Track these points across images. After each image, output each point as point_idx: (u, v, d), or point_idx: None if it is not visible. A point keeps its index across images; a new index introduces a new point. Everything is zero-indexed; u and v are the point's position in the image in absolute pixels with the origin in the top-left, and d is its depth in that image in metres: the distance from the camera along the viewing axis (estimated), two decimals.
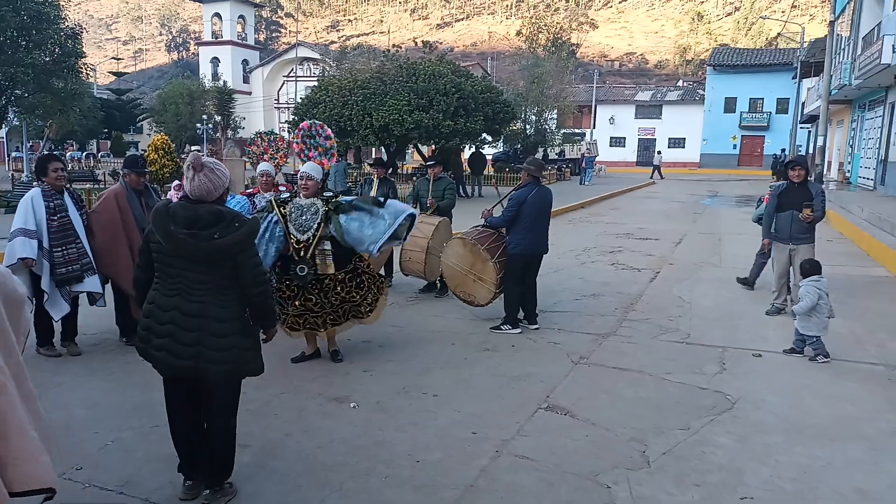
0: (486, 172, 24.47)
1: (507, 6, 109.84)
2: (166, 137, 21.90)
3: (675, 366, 5.36)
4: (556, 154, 34.41)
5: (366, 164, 31.76)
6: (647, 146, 52.08)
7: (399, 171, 26.48)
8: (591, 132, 46.56)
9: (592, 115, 50.32)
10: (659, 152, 40.73)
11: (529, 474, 3.59)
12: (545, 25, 33.67)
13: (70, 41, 19.48)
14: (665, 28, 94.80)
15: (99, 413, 4.32)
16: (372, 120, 19.35)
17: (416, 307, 7.38)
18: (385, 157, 23.79)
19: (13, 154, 31.05)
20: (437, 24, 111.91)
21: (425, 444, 3.97)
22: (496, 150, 32.01)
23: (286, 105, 56.76)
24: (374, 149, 33.79)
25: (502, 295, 6.43)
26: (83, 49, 20.47)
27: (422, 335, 6.25)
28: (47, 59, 18.72)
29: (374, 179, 8.21)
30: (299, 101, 25.30)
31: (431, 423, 4.26)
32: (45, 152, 29.07)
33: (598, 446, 3.93)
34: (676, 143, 52.29)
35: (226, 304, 3.09)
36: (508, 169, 26.80)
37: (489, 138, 24.63)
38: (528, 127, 29.83)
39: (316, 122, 5.84)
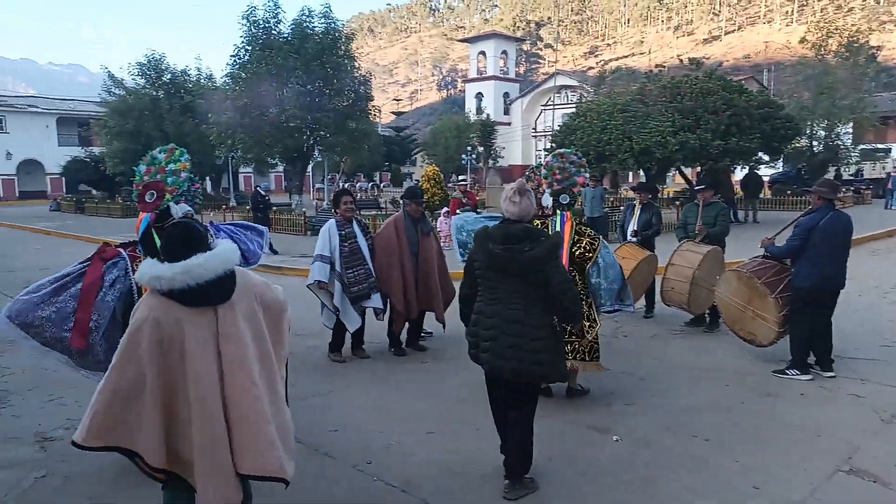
0: (762, 195, 22.14)
1: (786, 13, 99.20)
2: (437, 168, 23.95)
3: None
4: (851, 174, 29.75)
5: (623, 189, 31.01)
6: None
7: (659, 195, 25.30)
8: None
9: None
10: None
11: None
12: (836, 29, 29.41)
13: (362, 87, 22.57)
14: None
15: (383, 416, 4.81)
16: (632, 143, 18.81)
17: (682, 341, 6.91)
18: (645, 181, 22.97)
19: (317, 185, 36.68)
20: (704, 39, 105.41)
21: (697, 489, 3.66)
22: (775, 171, 28.81)
23: (543, 133, 58.26)
24: (630, 173, 32.85)
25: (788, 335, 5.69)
26: (372, 93, 23.54)
27: (689, 371, 5.81)
28: (345, 103, 21.89)
29: (637, 205, 7.94)
30: (556, 128, 25.75)
31: (704, 469, 3.92)
32: (341, 185, 33.88)
33: None
34: None
35: (539, 312, 3.45)
36: (790, 192, 23.87)
37: (766, 157, 22.23)
38: (814, 144, 26.34)
39: (566, 151, 5.74)
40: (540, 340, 3.42)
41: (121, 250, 4.09)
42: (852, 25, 35.72)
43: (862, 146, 28.91)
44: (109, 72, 28.72)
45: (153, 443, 2.61)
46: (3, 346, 6.84)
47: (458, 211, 14.93)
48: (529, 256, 3.36)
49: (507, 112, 64.86)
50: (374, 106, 24.37)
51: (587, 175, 5.64)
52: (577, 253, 4.88)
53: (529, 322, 3.42)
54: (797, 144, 25.15)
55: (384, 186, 41.83)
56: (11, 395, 5.37)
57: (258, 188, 16.34)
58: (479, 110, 61.03)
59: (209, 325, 2.64)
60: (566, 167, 5.34)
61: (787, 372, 5.56)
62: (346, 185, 35.30)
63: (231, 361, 2.65)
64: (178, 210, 4.30)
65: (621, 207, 15.09)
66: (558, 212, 5.09)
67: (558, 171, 5.30)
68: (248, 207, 21.74)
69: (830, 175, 24.75)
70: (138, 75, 27.96)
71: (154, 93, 27.89)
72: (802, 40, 29.41)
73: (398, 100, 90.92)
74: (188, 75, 28.78)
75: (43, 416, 4.86)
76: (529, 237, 3.43)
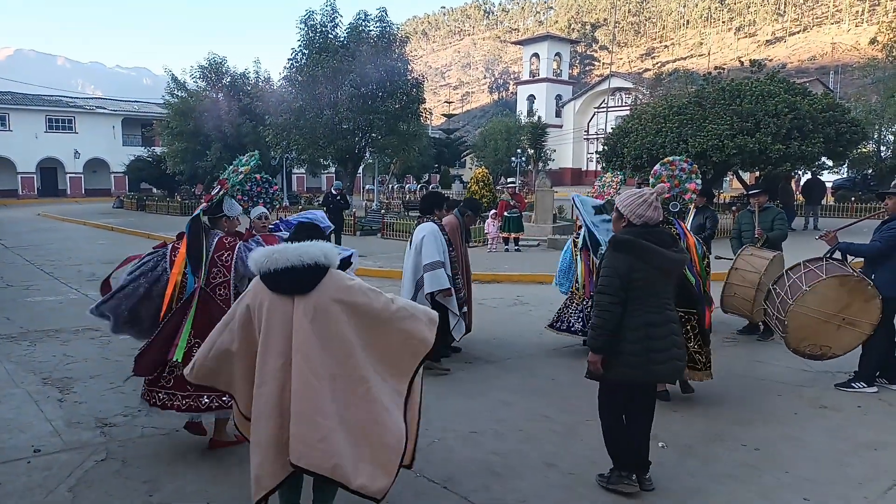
0: (824, 202, 21.30)
1: (856, 13, 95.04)
2: (486, 171, 23.95)
3: None
4: None
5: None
6: None
7: (716, 199, 24.64)
8: None
9: None
10: None
11: None
12: None
13: (414, 90, 22.77)
14: None
15: (428, 414, 4.81)
16: (688, 146, 18.39)
17: (734, 349, 6.73)
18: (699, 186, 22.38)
19: (367, 187, 37.13)
20: (767, 41, 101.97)
21: (746, 500, 3.57)
22: (838, 177, 27.66)
23: (595, 136, 57.52)
24: None
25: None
26: (424, 96, 23.72)
27: (740, 381, 5.66)
28: (397, 106, 22.13)
29: (692, 208, 7.77)
30: (609, 131, 25.38)
31: (753, 480, 3.81)
32: (391, 187, 34.19)
33: None
34: None
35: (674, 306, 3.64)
36: (854, 198, 22.89)
37: (829, 162, 21.38)
38: (882, 149, 25.18)
39: (675, 158, 5.74)
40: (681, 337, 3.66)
41: (168, 243, 4.44)
42: None
43: None
44: (172, 74, 29.84)
45: (243, 393, 3.00)
46: (67, 336, 7.22)
47: (505, 213, 14.90)
48: (687, 256, 3.65)
49: (558, 114, 64.31)
50: (425, 108, 24.58)
51: (699, 181, 5.57)
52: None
53: (677, 318, 3.66)
54: (863, 149, 24.11)
55: (433, 188, 42.07)
56: (75, 382, 5.66)
57: (332, 189, 16.43)
58: (531, 112, 60.71)
59: (285, 313, 2.80)
60: (676, 174, 5.33)
61: (854, 385, 5.33)
62: (395, 187, 35.67)
63: (297, 350, 2.76)
64: (237, 208, 4.52)
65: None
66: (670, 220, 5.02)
67: (667, 179, 5.28)
68: (300, 207, 22.23)
69: None
70: (199, 78, 28.92)
71: (214, 95, 28.81)
72: (873, 41, 28.22)
73: (450, 102, 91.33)
74: (247, 78, 29.61)
75: (104, 403, 5.11)
76: (675, 239, 3.70)
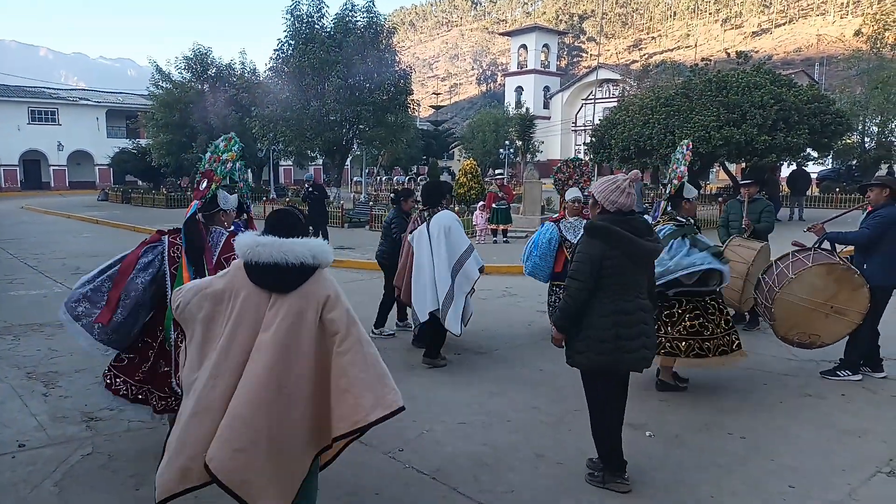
0: (809, 193, 21.48)
1: (840, 4, 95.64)
2: (474, 163, 23.90)
3: None
4: None
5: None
6: None
7: (702, 191, 24.77)
8: None
9: None
10: None
11: None
12: (894, 21, 28.28)
13: (402, 81, 22.66)
14: None
15: (417, 405, 4.85)
16: (675, 138, 18.46)
17: None
18: (686, 178, 22.47)
19: (354, 178, 36.96)
20: (753, 32, 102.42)
21: (732, 489, 3.60)
22: (823, 168, 27.89)
23: (583, 127, 57.61)
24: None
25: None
26: (411, 87, 23.61)
27: (727, 370, 5.67)
28: (384, 97, 22.01)
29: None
30: (597, 122, 25.42)
31: (738, 468, 3.85)
32: (379, 179, 34.01)
33: None
34: None
35: (647, 296, 3.59)
36: (839, 189, 23.10)
37: (814, 154, 21.55)
38: (867, 140, 25.42)
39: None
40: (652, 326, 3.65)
41: (163, 236, 4.17)
42: None
43: None
44: (157, 65, 29.51)
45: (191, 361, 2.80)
46: (52, 330, 7.14)
47: (493, 205, 14.90)
48: (661, 246, 3.59)
49: (546, 106, 64.30)
50: (413, 99, 24.48)
51: (683, 169, 5.61)
52: None
53: (651, 308, 3.62)
54: (848, 141, 24.32)
55: (421, 180, 41.98)
56: (60, 376, 5.60)
57: (306, 185, 15.78)
58: (519, 104, 60.65)
59: (258, 308, 2.66)
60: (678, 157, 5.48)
61: (839, 373, 5.38)
62: (383, 179, 35.53)
63: (258, 349, 2.61)
64: (231, 201, 4.26)
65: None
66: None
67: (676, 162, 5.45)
68: (286, 200, 22.09)
69: (883, 172, 23.85)
70: (184, 69, 28.64)
71: (199, 86, 28.52)
72: (857, 33, 28.45)
73: (438, 93, 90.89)
74: (233, 69, 29.35)
75: (89, 397, 5.05)
76: (650, 227, 3.59)
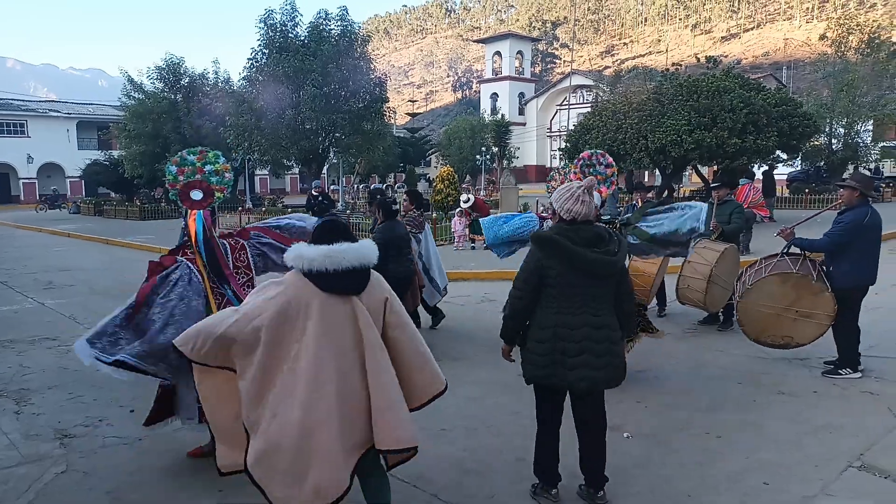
0: (778, 194, 21.89)
1: (806, 9, 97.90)
2: (451, 169, 23.99)
3: None
4: (870, 171, 29.37)
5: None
6: None
7: (676, 194, 25.12)
8: None
9: None
10: None
11: None
12: (857, 25, 29.03)
13: (377, 89, 22.67)
14: None
15: None
16: (647, 142, 18.74)
17: (696, 339, 6.89)
18: (659, 181, 22.83)
19: (332, 187, 36.81)
20: (722, 37, 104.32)
21: (712, 486, 3.67)
22: (793, 170, 28.46)
23: (558, 133, 58.10)
24: (647, 172, 32.65)
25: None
26: (387, 95, 23.63)
27: (702, 370, 5.80)
28: (360, 105, 22.00)
29: (638, 204, 7.94)
30: (571, 128, 25.66)
31: (715, 466, 3.92)
32: (356, 187, 33.89)
33: None
34: None
35: (612, 314, 3.37)
36: (809, 190, 23.59)
37: (783, 156, 21.99)
38: (834, 142, 26.02)
39: (597, 151, 5.91)
40: (617, 345, 3.37)
41: (177, 257, 4.02)
42: (874, 21, 35.23)
43: (882, 144, 28.49)
44: (128, 76, 29.12)
45: (252, 394, 2.79)
46: (23, 346, 7.00)
47: (473, 215, 14.89)
48: (619, 258, 3.29)
49: (522, 112, 64.77)
50: (389, 107, 24.49)
51: (606, 187, 5.70)
52: None
53: (613, 326, 3.34)
54: (815, 143, 24.85)
55: (398, 187, 41.92)
56: (32, 393, 5.49)
57: (312, 190, 15.61)
58: (494, 111, 60.99)
59: (348, 313, 2.78)
60: (594, 171, 5.51)
61: (840, 372, 5.45)
62: (360, 187, 35.45)
63: (373, 345, 2.79)
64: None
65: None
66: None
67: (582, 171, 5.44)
68: (263, 209, 21.87)
69: (849, 173, 24.39)
70: (157, 79, 28.30)
71: (172, 96, 28.21)
72: (822, 37, 29.06)
73: (413, 101, 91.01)
74: (206, 78, 29.07)
75: (63, 414, 4.97)
76: (609, 238, 3.34)
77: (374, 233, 6.36)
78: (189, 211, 3.99)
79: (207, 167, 4.23)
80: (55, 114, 45.86)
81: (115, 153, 34.06)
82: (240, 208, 25.45)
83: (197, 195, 4.03)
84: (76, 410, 5.05)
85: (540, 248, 3.29)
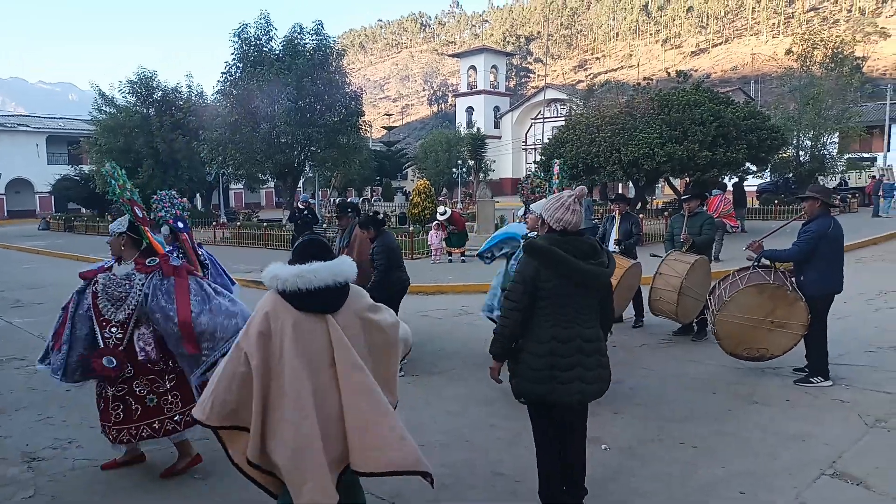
0: (749, 206, 22.34)
1: (772, 25, 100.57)
2: (428, 182, 24.04)
3: None
4: (837, 183, 30.13)
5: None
6: None
7: (649, 206, 25.48)
8: (885, 156, 39.77)
9: (886, 137, 42.97)
10: None
11: None
12: (821, 40, 29.91)
13: (353, 102, 22.66)
14: None
15: None
16: (620, 155, 19.01)
17: (670, 350, 6.96)
18: (633, 193, 23.14)
19: (309, 201, 36.60)
20: (692, 52, 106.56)
21: (684, 497, 3.69)
22: (762, 181, 29.07)
23: (533, 146, 58.60)
24: (620, 184, 33.05)
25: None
26: (362, 108, 23.64)
27: (677, 381, 5.85)
28: (335, 119, 21.95)
29: (616, 216, 8.03)
30: (546, 141, 25.91)
31: (691, 477, 3.95)
32: (332, 201, 33.76)
33: None
34: None
35: (598, 327, 3.36)
36: (778, 201, 24.10)
37: (753, 168, 22.47)
38: (801, 154, 26.66)
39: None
40: (606, 356, 3.36)
41: (94, 272, 4.09)
42: (837, 37, 36.31)
43: (848, 155, 29.26)
44: (100, 89, 28.72)
45: (254, 430, 2.73)
46: None
47: (449, 228, 14.91)
48: (612, 270, 3.26)
49: (497, 126, 65.22)
50: (364, 121, 24.46)
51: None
52: None
53: (601, 338, 3.32)
54: (784, 155, 25.43)
55: (375, 201, 41.86)
56: (0, 415, 5.34)
57: (297, 203, 15.30)
58: (470, 124, 61.35)
59: (322, 333, 2.76)
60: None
61: (812, 380, 5.52)
62: (335, 201, 35.32)
63: (347, 364, 2.75)
64: (120, 223, 4.14)
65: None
66: None
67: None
68: (238, 224, 21.60)
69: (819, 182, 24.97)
70: (129, 93, 27.95)
71: (145, 110, 27.88)
72: (788, 52, 29.82)
73: (389, 114, 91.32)
74: (179, 92, 28.79)
75: (31, 436, 4.84)
76: (601, 249, 3.30)
77: (376, 247, 6.44)
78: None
79: (122, 181, 4.20)
80: (24, 128, 45.02)
81: (86, 168, 33.50)
82: (214, 223, 25.16)
83: (142, 212, 4.16)
84: (45, 432, 4.92)
85: (535, 258, 3.21)
